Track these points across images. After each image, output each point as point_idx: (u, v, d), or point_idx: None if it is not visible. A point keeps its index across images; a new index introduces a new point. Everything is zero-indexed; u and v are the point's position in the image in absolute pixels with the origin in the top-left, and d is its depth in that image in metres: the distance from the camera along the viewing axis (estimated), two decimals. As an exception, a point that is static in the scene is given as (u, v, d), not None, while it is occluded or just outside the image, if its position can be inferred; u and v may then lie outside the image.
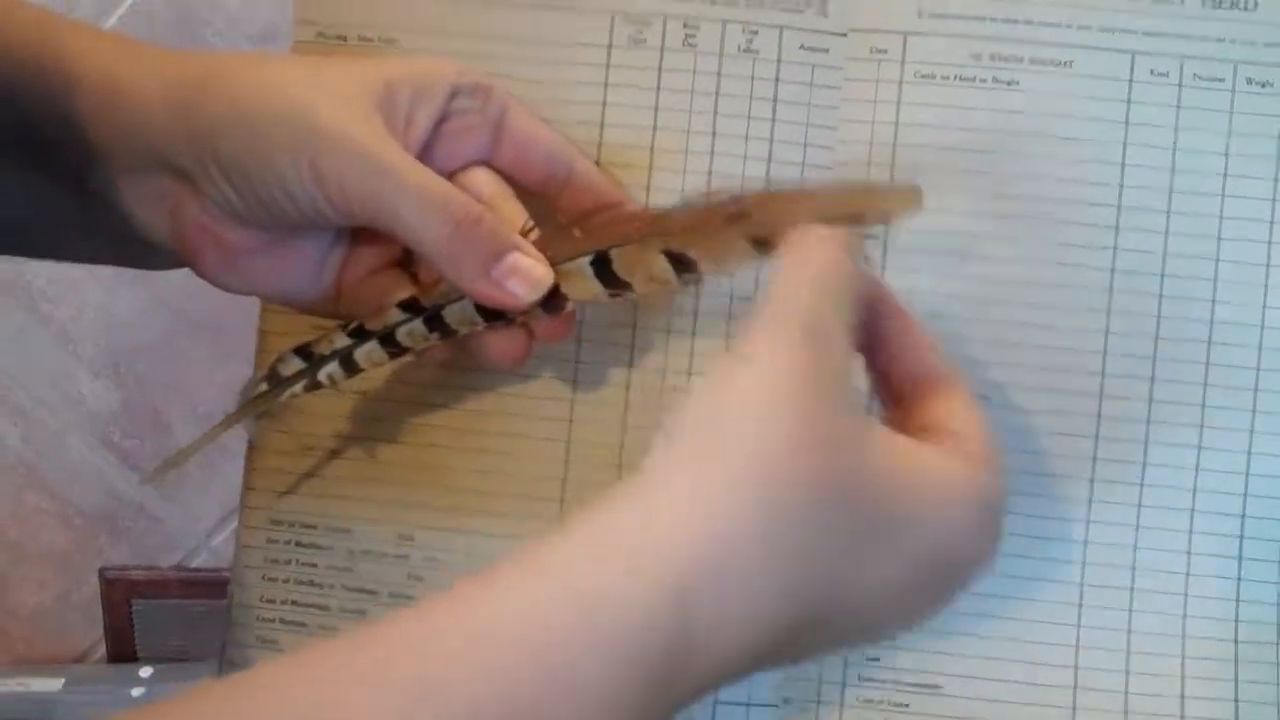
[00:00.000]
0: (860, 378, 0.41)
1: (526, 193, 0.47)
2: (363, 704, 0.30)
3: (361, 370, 0.46)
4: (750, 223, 0.42)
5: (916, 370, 0.41)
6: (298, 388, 0.46)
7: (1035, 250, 0.48)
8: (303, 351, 0.47)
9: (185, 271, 0.47)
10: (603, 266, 0.44)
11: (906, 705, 0.48)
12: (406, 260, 0.48)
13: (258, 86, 0.44)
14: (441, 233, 0.43)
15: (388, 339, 0.46)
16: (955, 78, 0.49)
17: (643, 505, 0.33)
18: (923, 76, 0.49)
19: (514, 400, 0.50)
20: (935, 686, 0.48)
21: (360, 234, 0.47)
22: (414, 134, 0.45)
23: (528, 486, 0.50)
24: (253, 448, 0.51)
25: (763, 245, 0.42)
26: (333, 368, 0.46)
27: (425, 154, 0.45)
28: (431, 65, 0.46)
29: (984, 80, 0.49)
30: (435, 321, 0.45)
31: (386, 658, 0.31)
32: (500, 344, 0.45)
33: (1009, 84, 0.49)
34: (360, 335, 0.46)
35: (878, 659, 0.48)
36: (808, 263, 0.38)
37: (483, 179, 0.46)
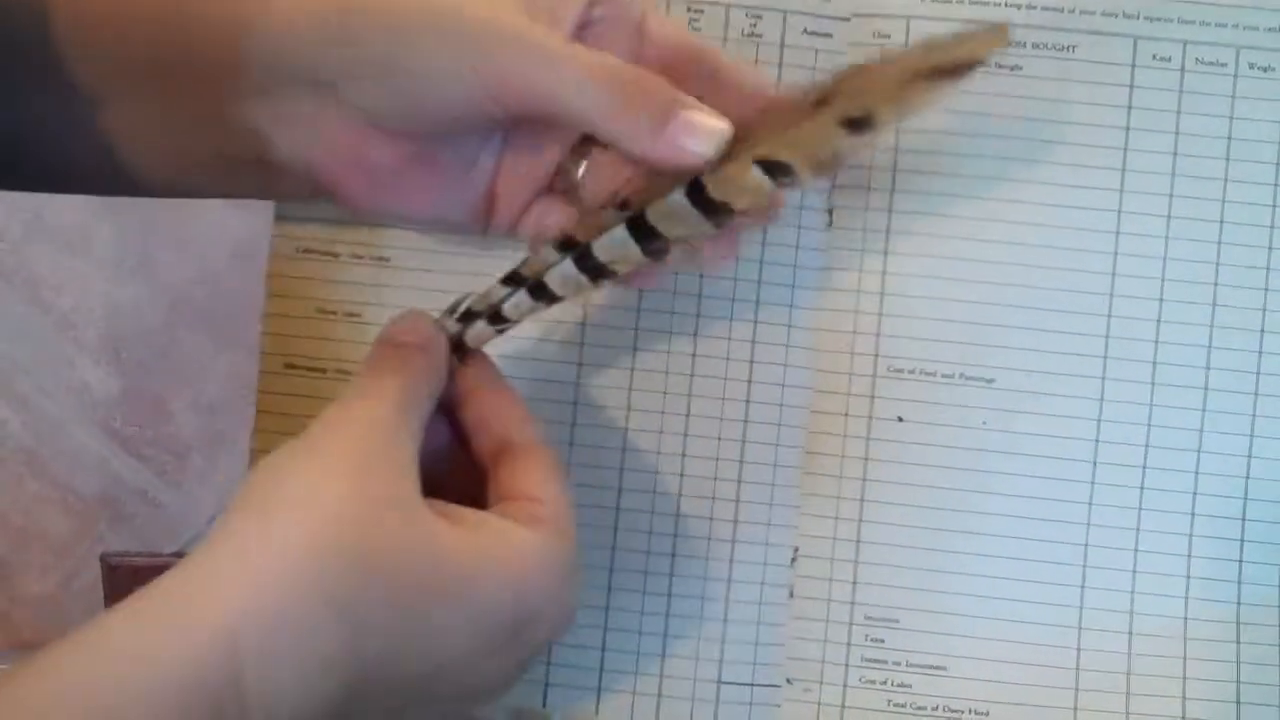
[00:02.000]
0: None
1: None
2: None
3: (558, 299, 0.44)
4: (841, 101, 0.41)
5: (501, 440, 0.44)
6: (483, 325, 0.45)
7: (1037, 235, 0.49)
8: (513, 277, 0.45)
9: (186, 260, 0.47)
10: (698, 194, 0.42)
11: (909, 686, 0.48)
12: (556, 185, 0.46)
13: None
14: (605, 99, 0.42)
15: (591, 265, 0.44)
16: (958, 62, 0.49)
17: (204, 568, 0.36)
18: (926, 61, 0.49)
19: None
20: (938, 668, 0.48)
21: (508, 145, 0.46)
22: (559, 32, 0.44)
23: None
24: (256, 432, 0.52)
25: (857, 125, 0.40)
26: (520, 297, 0.45)
27: None
28: None
29: (986, 65, 0.49)
30: (586, 259, 0.43)
31: None
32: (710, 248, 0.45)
33: (1012, 69, 0.49)
34: (516, 281, 0.45)
35: (882, 640, 0.49)
36: (383, 372, 0.42)
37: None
